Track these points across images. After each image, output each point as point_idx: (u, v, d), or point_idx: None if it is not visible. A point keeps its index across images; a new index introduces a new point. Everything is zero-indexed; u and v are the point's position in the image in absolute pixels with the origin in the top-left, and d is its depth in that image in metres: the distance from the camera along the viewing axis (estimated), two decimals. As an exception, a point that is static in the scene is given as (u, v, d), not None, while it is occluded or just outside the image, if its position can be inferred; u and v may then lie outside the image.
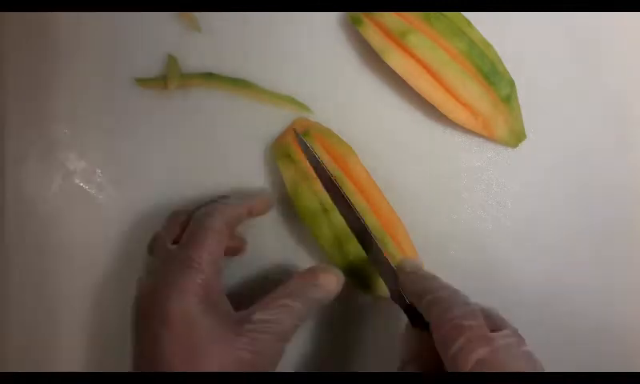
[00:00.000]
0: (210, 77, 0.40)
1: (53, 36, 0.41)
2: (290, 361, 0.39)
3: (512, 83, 0.40)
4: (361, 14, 0.40)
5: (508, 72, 0.40)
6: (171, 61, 0.40)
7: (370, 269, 0.37)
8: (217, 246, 0.32)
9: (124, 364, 0.31)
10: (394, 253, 0.37)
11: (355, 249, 0.36)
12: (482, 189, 0.41)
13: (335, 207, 0.36)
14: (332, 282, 0.33)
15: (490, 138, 0.40)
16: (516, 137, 0.40)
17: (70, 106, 0.41)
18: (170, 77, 0.40)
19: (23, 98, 0.41)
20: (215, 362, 0.28)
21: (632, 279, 0.41)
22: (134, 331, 0.31)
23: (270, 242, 0.40)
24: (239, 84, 0.40)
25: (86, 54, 0.41)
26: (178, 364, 0.28)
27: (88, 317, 0.40)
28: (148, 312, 0.30)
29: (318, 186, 0.37)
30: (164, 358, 0.29)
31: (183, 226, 0.34)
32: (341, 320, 0.40)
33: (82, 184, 0.40)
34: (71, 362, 0.40)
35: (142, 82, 0.41)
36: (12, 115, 0.40)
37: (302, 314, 0.31)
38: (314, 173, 0.36)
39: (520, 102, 0.40)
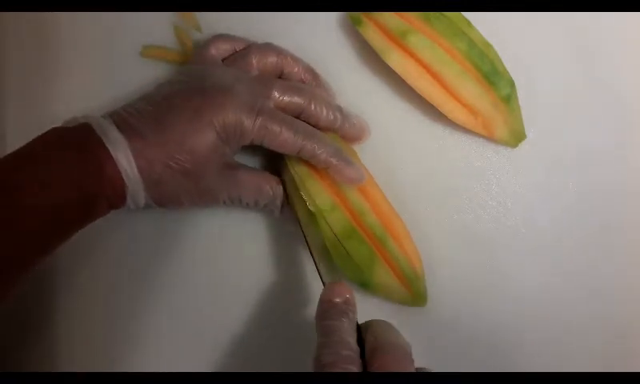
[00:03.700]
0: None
1: (53, 35, 0.41)
2: (290, 358, 0.39)
3: (512, 83, 0.40)
4: (361, 14, 0.40)
5: (508, 72, 0.40)
6: (177, 29, 0.41)
7: (367, 266, 0.37)
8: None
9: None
10: (395, 252, 0.37)
11: (352, 247, 0.37)
12: (482, 189, 0.41)
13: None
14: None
15: (490, 138, 0.40)
16: (516, 137, 0.40)
17: (70, 106, 0.41)
18: (182, 43, 0.41)
19: (23, 98, 0.41)
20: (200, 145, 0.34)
21: (632, 278, 0.41)
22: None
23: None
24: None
25: (86, 54, 0.41)
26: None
27: (89, 314, 0.40)
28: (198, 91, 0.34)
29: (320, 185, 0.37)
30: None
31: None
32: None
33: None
34: (70, 360, 0.40)
35: (147, 49, 0.41)
36: (12, 114, 0.40)
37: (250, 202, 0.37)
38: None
39: (520, 102, 0.40)
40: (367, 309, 0.39)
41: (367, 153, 0.40)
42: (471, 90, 0.39)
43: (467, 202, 0.41)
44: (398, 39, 0.39)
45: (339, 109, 0.38)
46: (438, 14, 0.39)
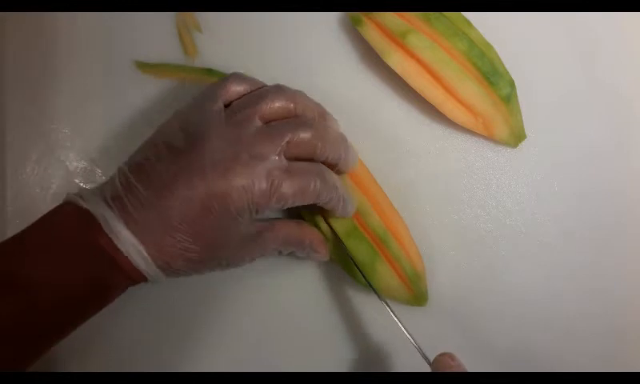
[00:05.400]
0: (210, 72, 0.41)
1: (52, 36, 0.41)
2: (296, 358, 0.39)
3: (512, 83, 0.40)
4: (361, 14, 0.40)
5: (508, 72, 0.40)
6: (180, 29, 0.41)
7: (368, 265, 0.37)
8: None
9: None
10: (396, 252, 0.37)
11: (353, 246, 0.37)
12: (481, 189, 0.41)
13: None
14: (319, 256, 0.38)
15: (490, 138, 0.40)
16: (516, 137, 0.40)
17: (70, 106, 0.41)
18: (183, 43, 0.41)
19: (23, 98, 0.41)
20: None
21: (632, 278, 0.41)
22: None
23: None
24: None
25: (86, 54, 0.41)
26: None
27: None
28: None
29: None
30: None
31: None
32: (337, 315, 0.40)
33: (82, 184, 0.40)
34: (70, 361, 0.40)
35: (144, 66, 0.41)
36: (12, 115, 0.40)
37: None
38: None
39: (520, 102, 0.40)
40: (368, 308, 0.40)
41: (368, 153, 0.39)
42: (471, 90, 0.39)
43: (467, 202, 0.41)
44: (398, 39, 0.39)
45: (345, 143, 0.37)
46: (437, 14, 0.39)
